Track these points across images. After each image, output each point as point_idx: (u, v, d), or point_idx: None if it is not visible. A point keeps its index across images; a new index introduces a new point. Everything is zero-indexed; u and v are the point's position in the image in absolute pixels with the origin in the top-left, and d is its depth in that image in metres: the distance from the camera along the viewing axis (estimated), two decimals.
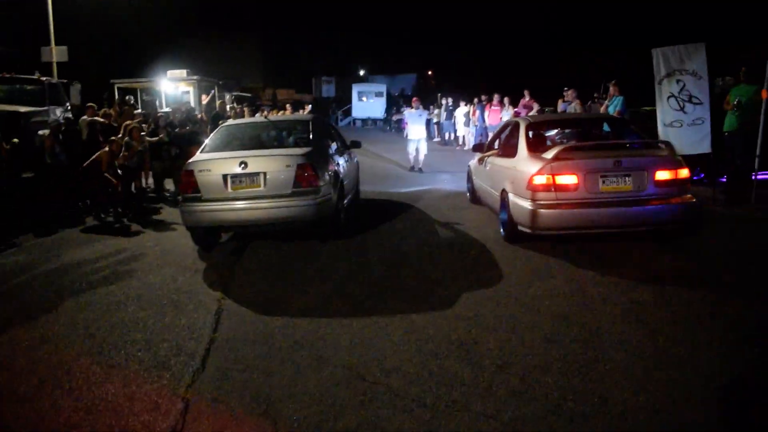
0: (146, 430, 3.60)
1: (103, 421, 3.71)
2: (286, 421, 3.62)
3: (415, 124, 16.39)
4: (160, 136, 11.99)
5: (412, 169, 16.03)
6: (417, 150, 15.99)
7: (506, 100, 19.64)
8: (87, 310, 5.75)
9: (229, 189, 7.40)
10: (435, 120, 26.91)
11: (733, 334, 4.65)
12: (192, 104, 18.99)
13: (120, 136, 10.78)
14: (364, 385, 4.03)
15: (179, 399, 3.95)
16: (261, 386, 4.07)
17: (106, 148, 9.96)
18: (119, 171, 10.49)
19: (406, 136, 16.85)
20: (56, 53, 19.91)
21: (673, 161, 6.91)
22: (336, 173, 8.27)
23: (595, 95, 16.76)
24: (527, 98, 18.65)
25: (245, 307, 5.69)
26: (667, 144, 7.42)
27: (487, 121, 19.96)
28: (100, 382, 4.25)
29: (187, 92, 22.87)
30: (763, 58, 9.72)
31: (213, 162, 7.57)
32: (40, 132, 11.34)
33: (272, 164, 7.46)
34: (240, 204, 7.36)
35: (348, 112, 44.62)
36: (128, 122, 11.54)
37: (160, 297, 6.08)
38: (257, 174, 7.38)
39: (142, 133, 11.25)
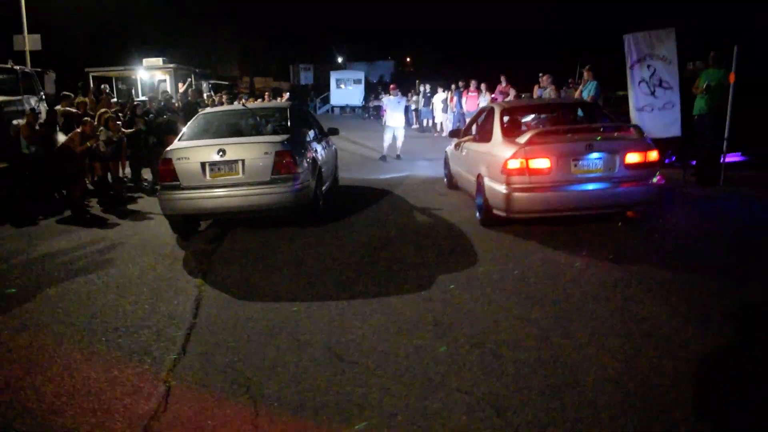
0: (128, 413, 3.67)
1: (86, 406, 3.78)
2: (267, 401, 3.72)
3: (393, 111, 16.09)
4: (138, 125, 11.94)
5: (383, 158, 15.57)
6: (394, 137, 15.79)
7: (483, 86, 19.76)
8: (66, 299, 5.78)
9: (208, 177, 7.44)
10: (413, 107, 26.99)
11: (695, 309, 4.83)
12: (170, 92, 18.85)
13: (96, 123, 10.71)
14: (342, 365, 4.14)
15: (161, 383, 4.02)
16: (241, 369, 4.17)
17: (78, 129, 9.88)
18: (94, 160, 10.45)
19: (385, 123, 16.52)
20: (29, 42, 19.62)
21: (642, 144, 7.08)
22: (314, 160, 8.33)
23: (570, 81, 17.00)
24: (504, 84, 18.77)
25: (225, 293, 5.77)
26: (637, 127, 7.58)
27: (465, 108, 20.08)
28: (81, 368, 4.30)
29: (164, 80, 22.67)
30: (731, 42, 9.94)
31: (191, 150, 7.59)
32: (15, 122, 11.22)
33: (250, 152, 7.51)
34: (219, 192, 7.41)
35: (326, 100, 44.51)
36: (103, 110, 11.44)
37: (140, 285, 6.13)
38: (236, 161, 7.42)
39: (118, 122, 11.18)
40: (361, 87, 42.19)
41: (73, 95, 13.35)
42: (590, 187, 6.92)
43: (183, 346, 4.59)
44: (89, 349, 4.63)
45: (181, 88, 19.60)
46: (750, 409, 3.47)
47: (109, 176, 11.10)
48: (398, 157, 15.67)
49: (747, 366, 3.97)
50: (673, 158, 12.20)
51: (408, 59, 65.89)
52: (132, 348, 4.61)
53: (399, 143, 15.92)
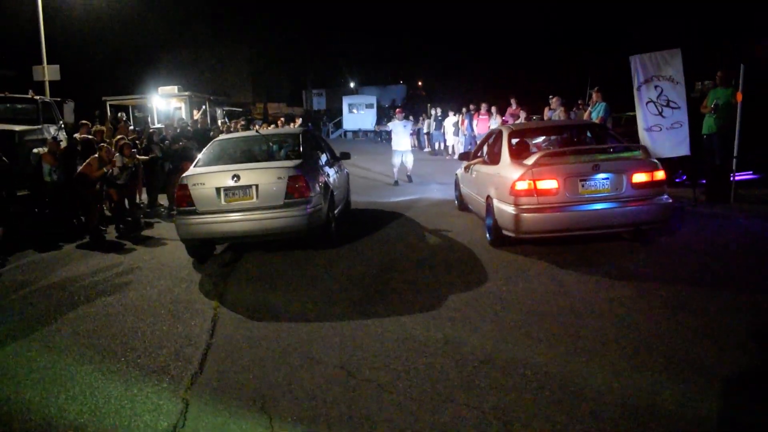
0: (148, 429, 3.81)
1: (107, 422, 3.92)
2: (281, 416, 3.84)
3: (399, 135, 15.94)
4: (154, 152, 12.21)
5: (396, 183, 15.55)
6: (403, 162, 15.74)
7: (494, 109, 19.97)
8: (87, 321, 5.95)
9: (223, 201, 7.63)
10: (425, 130, 27.24)
11: (702, 324, 4.90)
12: (185, 120, 19.22)
13: (112, 150, 10.98)
14: (354, 381, 4.26)
15: (179, 400, 4.16)
16: (257, 386, 4.30)
17: (96, 155, 10.14)
18: (110, 187, 10.69)
19: (392, 147, 16.38)
20: (48, 72, 20.14)
21: (648, 164, 7.19)
22: (326, 184, 8.51)
23: (580, 102, 17.15)
24: (514, 107, 18.97)
25: (240, 314, 5.91)
26: (643, 147, 7.69)
27: (476, 131, 20.27)
28: (102, 387, 4.45)
29: (179, 108, 23.12)
30: (738, 61, 10.08)
31: (206, 176, 7.80)
32: (35, 150, 11.54)
33: (264, 176, 7.70)
34: (234, 216, 7.59)
35: (339, 125, 44.98)
36: (120, 137, 11.72)
37: (158, 307, 6.29)
38: (250, 186, 7.61)
39: (133, 150, 11.43)
40: (373, 111, 42.62)
41: (90, 123, 13.68)
42: (598, 206, 7.02)
43: (200, 365, 4.73)
44: (110, 369, 4.78)
45: (196, 115, 19.99)
46: (755, 421, 3.54)
47: (126, 202, 11.33)
48: (409, 179, 15.72)
49: (755, 382, 4.03)
50: (684, 177, 12.29)
51: (420, 83, 66.43)
52: (151, 367, 4.75)
53: (409, 166, 15.90)
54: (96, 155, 10.14)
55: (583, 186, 7.01)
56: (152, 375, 4.61)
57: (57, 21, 22.90)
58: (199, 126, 16.56)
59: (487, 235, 8.10)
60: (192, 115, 20.88)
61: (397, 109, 18.02)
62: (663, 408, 3.67)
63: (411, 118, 17.52)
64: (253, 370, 4.57)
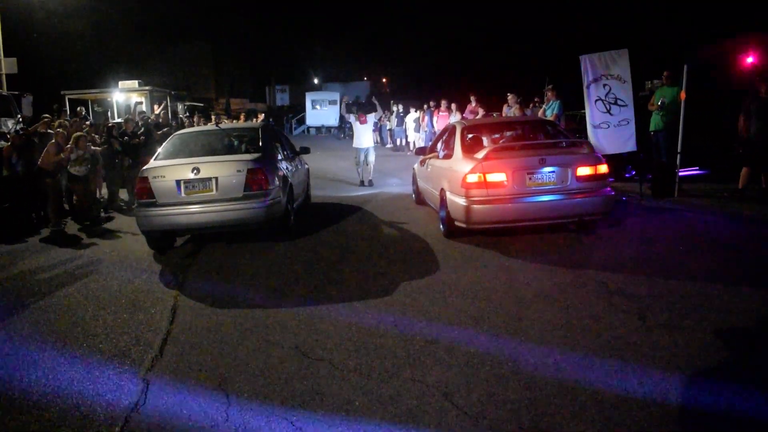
0: (110, 407, 4.00)
1: (70, 402, 4.09)
2: (238, 393, 4.07)
3: (361, 130, 14.72)
4: (113, 146, 12.23)
5: (362, 183, 14.58)
6: (366, 161, 14.62)
7: (454, 106, 20.33)
8: (48, 312, 6.07)
9: (183, 194, 7.79)
10: (388, 127, 27.54)
11: (634, 306, 5.28)
12: (146, 113, 19.14)
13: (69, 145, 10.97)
14: (307, 360, 4.52)
15: (140, 380, 4.36)
16: (214, 366, 4.52)
17: (53, 141, 10.16)
18: (71, 182, 10.70)
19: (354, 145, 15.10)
20: (5, 65, 19.90)
21: (592, 158, 7.58)
22: (285, 177, 8.72)
23: (536, 100, 17.59)
24: (473, 104, 19.34)
25: (200, 303, 6.10)
26: (587, 142, 8.10)
27: (436, 127, 20.61)
28: (64, 370, 4.61)
29: (140, 102, 22.98)
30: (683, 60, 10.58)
31: (166, 168, 7.95)
32: None
33: (223, 169, 7.88)
34: (193, 208, 7.76)
35: (302, 121, 44.94)
36: (77, 133, 11.68)
37: (118, 297, 6.44)
38: (209, 179, 7.78)
39: (88, 143, 11.38)
40: (336, 108, 42.63)
41: (50, 117, 13.59)
42: (544, 198, 7.38)
43: (160, 349, 4.92)
44: (71, 354, 4.94)
45: (156, 110, 19.92)
46: (670, 389, 3.90)
47: (84, 196, 11.30)
48: (370, 183, 14.50)
49: (676, 357, 4.40)
50: (633, 172, 12.82)
51: (384, 80, 66.72)
52: (112, 352, 4.93)
53: (371, 167, 14.73)
54: (53, 141, 10.15)
55: (530, 179, 7.37)
56: (113, 359, 4.78)
57: (15, 13, 22.50)
58: (160, 120, 16.58)
59: (441, 227, 8.42)
60: (153, 110, 20.80)
61: (360, 102, 17.57)
62: (592, 380, 4.01)
63: (377, 107, 16.09)
64: (211, 353, 4.79)
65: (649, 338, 4.65)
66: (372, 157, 14.73)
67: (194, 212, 7.74)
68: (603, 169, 7.56)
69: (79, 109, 18.01)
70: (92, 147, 11.45)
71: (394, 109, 26.46)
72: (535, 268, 6.58)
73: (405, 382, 4.08)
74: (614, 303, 5.42)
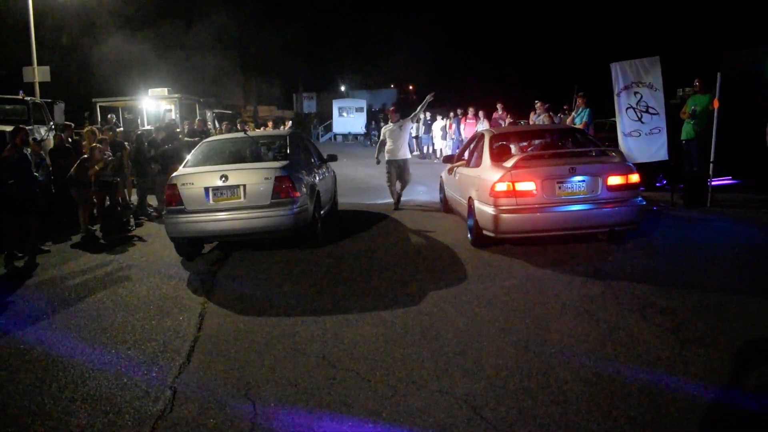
0: (138, 414, 4.01)
1: (99, 408, 4.12)
2: (264, 402, 4.06)
3: (397, 140, 11.72)
4: (144, 153, 12.38)
5: (396, 205, 11.76)
6: (402, 179, 11.81)
7: (481, 113, 20.25)
8: (78, 317, 6.14)
9: (211, 201, 7.83)
10: (414, 134, 27.50)
11: (668, 320, 5.16)
12: (176, 121, 19.33)
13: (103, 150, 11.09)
14: (334, 371, 4.49)
15: (167, 388, 4.37)
16: (241, 375, 4.51)
17: (85, 155, 10.29)
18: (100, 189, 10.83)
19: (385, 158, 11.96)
20: (38, 73, 20.25)
21: (623, 167, 7.46)
22: (312, 185, 8.73)
23: (565, 107, 17.43)
24: (500, 111, 19.25)
25: (227, 310, 6.12)
26: (618, 151, 7.97)
27: (463, 134, 20.53)
28: (93, 376, 4.65)
29: (169, 110, 23.23)
30: (716, 68, 10.39)
31: (195, 176, 8.01)
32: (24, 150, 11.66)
33: (251, 177, 7.91)
34: (221, 215, 7.80)
35: (329, 128, 45.19)
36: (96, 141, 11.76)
37: (147, 303, 6.49)
38: (237, 186, 7.82)
39: (107, 153, 11.39)
40: (363, 115, 42.86)
41: (73, 125, 13.74)
42: (574, 208, 7.28)
43: (188, 356, 4.94)
44: (100, 360, 4.98)
45: (187, 124, 19.93)
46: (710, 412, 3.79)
47: (107, 202, 11.39)
48: (397, 204, 11.78)
49: (711, 375, 4.28)
50: (664, 182, 12.60)
51: (411, 87, 66.78)
52: (140, 358, 4.95)
53: (404, 185, 11.95)
54: (86, 156, 10.30)
55: (559, 188, 7.27)
56: (141, 365, 4.81)
57: (47, 21, 22.98)
58: (195, 128, 16.67)
59: (469, 236, 8.35)
60: (173, 116, 20.99)
61: (391, 109, 13.80)
62: (625, 396, 3.91)
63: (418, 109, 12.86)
64: (238, 361, 4.78)
65: (683, 353, 4.53)
66: (408, 174, 11.88)
67: (222, 219, 7.78)
68: (634, 178, 7.43)
69: (110, 116, 18.22)
70: (107, 154, 11.49)
71: (421, 116, 26.42)
72: (565, 279, 6.47)
73: (433, 394, 4.03)
74: (647, 316, 5.30)
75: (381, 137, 12.30)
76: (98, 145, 10.66)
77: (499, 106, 19.56)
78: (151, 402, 4.16)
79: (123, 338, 5.45)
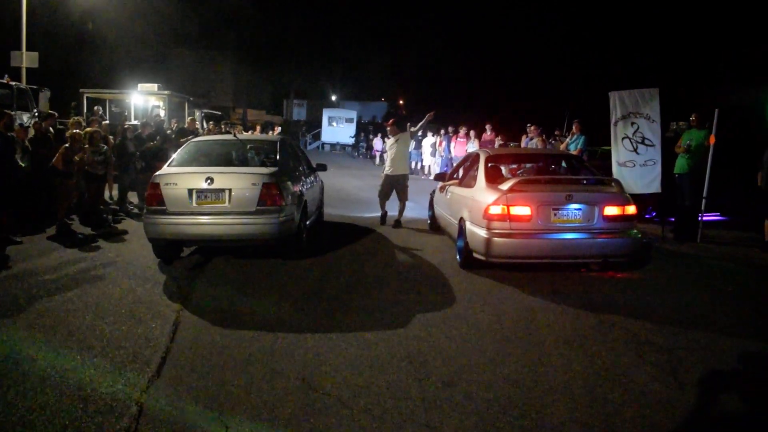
0: (99, 431, 3.69)
1: (57, 422, 3.79)
2: (238, 428, 3.76)
3: (398, 153, 11.29)
4: (128, 148, 12.03)
5: (383, 219, 11.39)
6: (399, 196, 11.22)
7: (472, 133, 20.13)
8: (45, 317, 5.78)
9: (194, 203, 7.53)
10: None
11: (664, 359, 4.95)
12: (162, 118, 18.97)
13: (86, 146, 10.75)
14: (314, 396, 4.20)
15: (133, 403, 4.05)
16: (215, 394, 4.20)
17: (66, 144, 9.93)
18: (88, 181, 10.48)
19: (383, 171, 11.63)
20: (27, 59, 19.87)
21: (621, 198, 7.28)
22: (300, 194, 8.46)
23: (557, 132, 17.37)
24: (489, 133, 19.14)
25: (203, 319, 5.81)
26: (616, 181, 7.81)
27: (453, 153, 20.41)
28: (55, 385, 4.31)
29: (158, 106, 22.88)
30: (713, 104, 10.31)
31: (179, 176, 7.70)
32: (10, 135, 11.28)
33: (238, 181, 7.62)
34: (204, 219, 7.50)
35: (318, 136, 44.97)
36: (89, 129, 11.44)
37: (119, 307, 6.15)
38: (223, 190, 7.53)
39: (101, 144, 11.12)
40: (353, 125, 42.70)
41: (57, 114, 13.34)
42: (569, 236, 7.08)
43: (158, 369, 4.62)
44: (64, 367, 4.64)
45: (174, 123, 19.58)
46: None
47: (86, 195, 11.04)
48: (397, 223, 11.14)
49: (714, 422, 4.07)
50: (653, 213, 12.49)
51: (401, 102, 66.78)
52: (107, 368, 4.63)
53: (401, 205, 11.30)
54: (67, 145, 9.94)
55: (555, 215, 7.07)
56: (107, 376, 4.48)
57: (38, 8, 22.54)
58: (186, 126, 16.32)
59: (458, 257, 8.11)
60: (161, 113, 20.60)
61: (389, 122, 12.66)
62: None
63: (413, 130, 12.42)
64: (212, 377, 4.48)
65: (683, 397, 4.31)
66: (406, 192, 11.28)
67: (205, 223, 7.48)
68: (631, 209, 7.26)
69: (96, 108, 17.89)
70: (102, 146, 11.18)
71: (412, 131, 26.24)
72: (556, 310, 6.25)
73: (420, 428, 3.76)
74: (642, 354, 5.09)
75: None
76: (77, 131, 10.30)
77: (487, 127, 19.47)
78: (114, 418, 3.84)
79: (90, 344, 5.11)
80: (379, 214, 11.75)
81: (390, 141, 11.60)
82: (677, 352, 5.16)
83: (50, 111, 13.14)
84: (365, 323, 5.74)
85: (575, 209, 7.09)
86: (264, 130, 24.91)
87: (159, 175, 7.80)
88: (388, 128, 12.08)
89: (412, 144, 25.47)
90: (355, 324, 5.71)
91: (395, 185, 11.28)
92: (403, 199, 11.31)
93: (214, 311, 6.07)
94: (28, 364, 4.68)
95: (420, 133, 24.81)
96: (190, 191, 7.53)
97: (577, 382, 4.50)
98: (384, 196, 11.45)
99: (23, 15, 19.61)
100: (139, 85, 23.53)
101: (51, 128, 11.77)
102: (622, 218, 7.18)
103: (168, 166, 8.23)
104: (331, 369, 4.65)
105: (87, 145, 10.27)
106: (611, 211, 7.14)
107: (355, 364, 4.77)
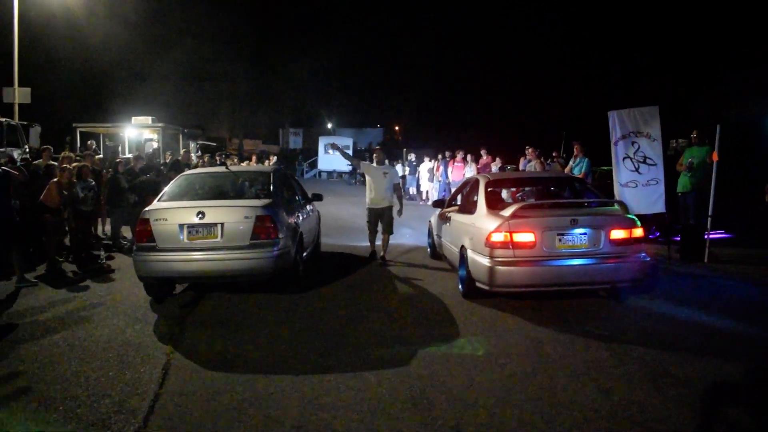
0: None
1: None
2: None
3: (378, 184, 10.34)
4: (120, 182, 11.79)
5: (372, 256, 10.55)
6: (384, 229, 10.37)
7: (470, 157, 19.94)
8: (27, 362, 5.51)
9: (185, 239, 7.26)
10: (400, 174, 27.18)
11: (683, 393, 4.65)
12: (155, 151, 18.76)
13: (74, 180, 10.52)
14: None
15: None
16: None
17: (55, 179, 9.68)
18: (77, 217, 10.22)
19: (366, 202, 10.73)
20: (19, 95, 19.76)
21: (627, 220, 7.03)
22: (295, 226, 8.20)
23: (555, 154, 17.16)
24: (484, 157, 18.95)
25: (195, 363, 5.51)
26: (621, 203, 7.56)
27: (450, 177, 20.19)
28: None
29: (152, 139, 22.72)
30: (714, 119, 10.12)
31: (170, 211, 7.44)
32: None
33: (230, 215, 7.37)
34: (196, 255, 7.23)
35: (314, 165, 44.83)
36: (76, 164, 11.21)
37: (106, 350, 5.86)
38: (215, 225, 7.27)
39: (89, 180, 10.89)
40: (349, 153, 42.55)
41: (52, 148, 13.12)
42: (575, 262, 6.81)
43: (144, 419, 4.32)
44: (45, 419, 4.35)
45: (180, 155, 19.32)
46: None
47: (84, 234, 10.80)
48: (382, 259, 10.27)
49: None
50: (657, 234, 12.23)
51: (397, 128, 66.89)
52: (90, 419, 4.33)
53: (386, 239, 10.40)
54: (55, 180, 9.69)
55: (560, 240, 6.81)
56: (90, 428, 4.18)
57: (31, 42, 22.49)
58: (179, 159, 16.14)
59: (460, 286, 7.83)
60: (155, 145, 20.45)
61: (376, 148, 12.30)
62: None
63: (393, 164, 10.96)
64: (203, 428, 4.18)
65: None
66: (390, 225, 10.40)
67: (197, 259, 7.21)
68: (638, 232, 7.00)
69: (89, 142, 17.64)
70: (90, 181, 10.94)
71: (408, 158, 26.15)
72: (565, 340, 5.95)
73: None
74: (660, 387, 4.79)
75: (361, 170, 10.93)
76: (66, 165, 10.07)
77: (482, 151, 19.30)
78: None
79: (74, 393, 4.81)
80: (375, 243, 10.84)
81: (374, 166, 10.63)
82: (696, 383, 4.87)
83: (45, 146, 12.91)
84: (365, 361, 5.44)
85: (581, 234, 6.83)
86: (260, 160, 24.76)
87: (148, 210, 7.54)
88: (375, 153, 11.36)
89: (407, 169, 25.43)
90: (355, 363, 5.41)
91: (379, 217, 10.44)
92: (386, 233, 10.40)
93: (207, 353, 5.77)
94: (6, 415, 4.39)
95: (413, 159, 24.77)
96: (181, 226, 7.27)
97: (594, 423, 4.19)
98: (371, 230, 10.62)
99: (15, 51, 19.53)
100: (133, 118, 23.41)
101: (51, 160, 11.52)
102: (630, 241, 6.92)
103: (158, 200, 7.98)
104: (330, 415, 4.35)
105: (75, 180, 10.03)
106: (618, 234, 6.88)
107: (355, 407, 4.46)
